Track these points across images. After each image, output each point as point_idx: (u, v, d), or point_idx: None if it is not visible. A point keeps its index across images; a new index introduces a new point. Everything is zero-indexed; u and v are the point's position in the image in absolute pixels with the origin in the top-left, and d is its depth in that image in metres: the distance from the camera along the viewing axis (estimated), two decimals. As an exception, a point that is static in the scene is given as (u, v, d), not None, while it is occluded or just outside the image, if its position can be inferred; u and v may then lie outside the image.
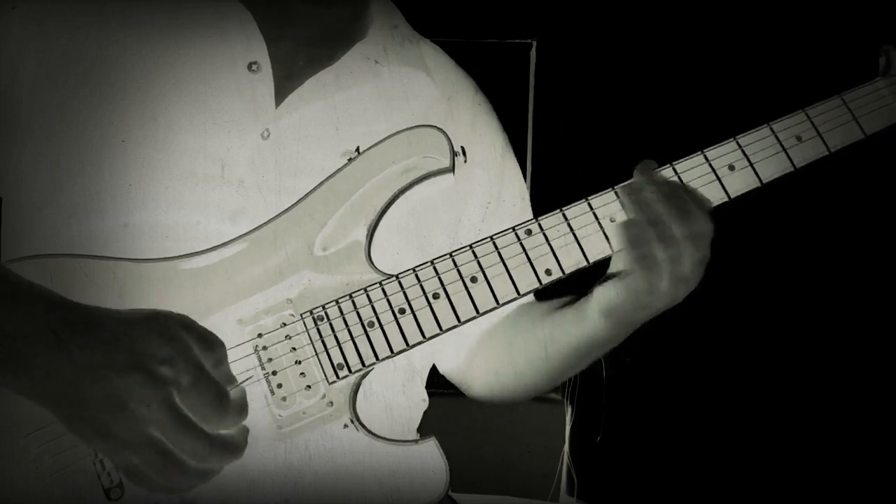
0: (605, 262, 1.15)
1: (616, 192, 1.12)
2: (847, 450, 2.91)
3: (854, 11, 2.54)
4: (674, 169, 1.13)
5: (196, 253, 1.11)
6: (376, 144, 1.13)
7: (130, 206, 1.17)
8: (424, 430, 1.36)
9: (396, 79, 1.30)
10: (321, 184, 1.13)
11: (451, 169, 1.13)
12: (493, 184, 1.40)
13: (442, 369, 1.46)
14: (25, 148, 1.20)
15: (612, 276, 1.13)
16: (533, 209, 1.46)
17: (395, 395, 1.28)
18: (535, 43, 3.30)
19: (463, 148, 1.32)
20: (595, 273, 1.16)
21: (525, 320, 1.33)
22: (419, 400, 1.37)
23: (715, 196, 1.14)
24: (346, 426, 1.10)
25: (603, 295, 1.14)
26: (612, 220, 1.12)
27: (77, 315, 1.00)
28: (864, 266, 2.95)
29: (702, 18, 3.04)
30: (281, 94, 1.23)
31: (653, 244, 1.07)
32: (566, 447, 2.77)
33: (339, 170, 1.13)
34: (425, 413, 1.38)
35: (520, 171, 1.47)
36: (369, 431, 1.10)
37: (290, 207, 1.13)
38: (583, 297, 1.19)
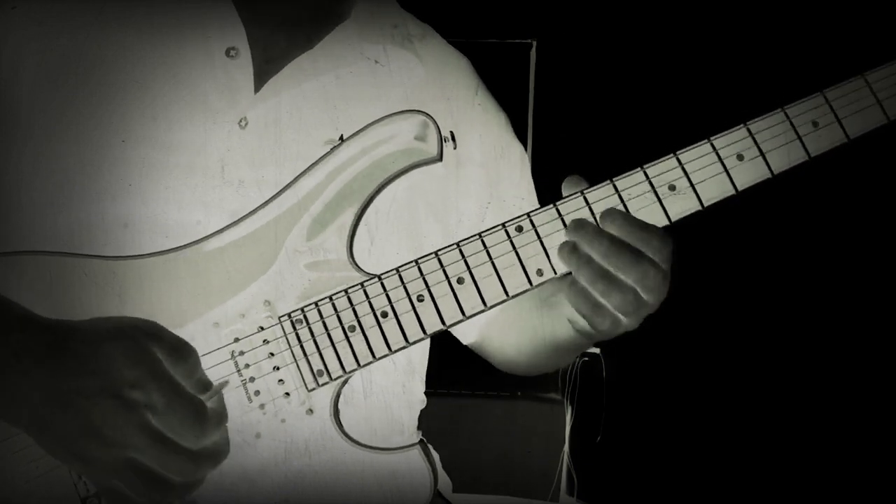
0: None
1: (590, 206, 1.07)
2: (847, 450, 2.91)
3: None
4: (678, 159, 1.06)
5: (167, 251, 1.08)
6: (358, 132, 1.08)
7: (130, 206, 1.17)
8: (424, 430, 1.36)
9: (389, 65, 1.27)
10: (298, 177, 1.09)
11: (440, 157, 1.07)
12: (493, 185, 1.40)
13: (464, 342, 1.45)
14: (25, 148, 1.20)
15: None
16: (532, 208, 1.44)
17: (395, 395, 1.27)
18: (535, 43, 3.30)
19: (452, 133, 1.27)
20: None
21: (529, 301, 1.26)
22: (418, 399, 1.37)
23: (721, 189, 1.06)
24: (309, 411, 1.06)
25: (577, 318, 1.10)
26: None
27: (39, 336, 0.96)
28: (862, 266, 2.95)
29: (701, 18, 3.04)
30: (261, 80, 1.21)
31: (603, 297, 1.02)
32: (566, 447, 2.77)
33: (317, 161, 1.09)
34: (426, 413, 1.38)
35: (526, 172, 1.44)
36: (348, 436, 1.07)
37: (265, 203, 1.09)
38: (557, 304, 1.16)
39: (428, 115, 1.08)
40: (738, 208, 1.17)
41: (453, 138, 1.27)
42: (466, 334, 1.44)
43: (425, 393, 1.40)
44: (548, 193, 1.46)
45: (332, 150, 1.08)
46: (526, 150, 1.51)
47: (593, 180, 1.11)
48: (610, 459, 2.91)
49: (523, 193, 1.43)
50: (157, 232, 1.16)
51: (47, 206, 1.18)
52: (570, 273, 1.05)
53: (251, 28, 1.20)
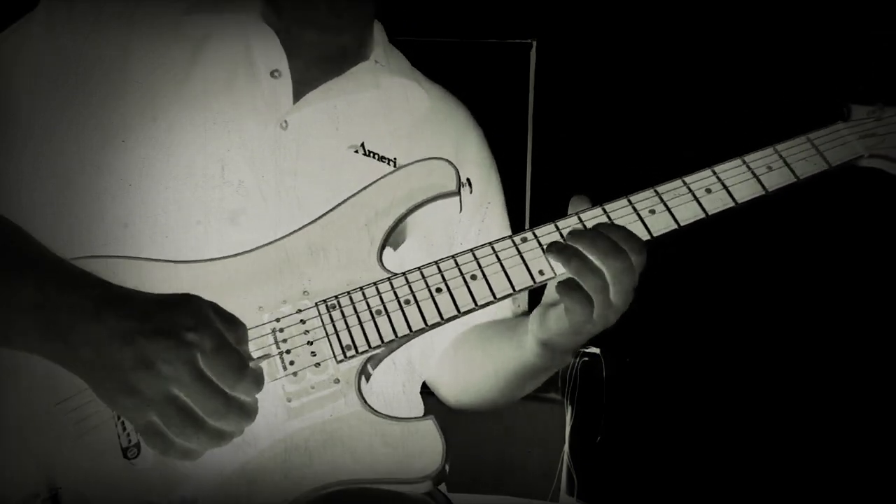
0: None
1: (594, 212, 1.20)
2: (847, 450, 2.91)
3: (824, 64, 2.67)
4: (655, 191, 1.21)
5: (225, 256, 1.18)
6: (396, 170, 1.26)
7: (130, 206, 1.18)
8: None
9: (396, 88, 1.40)
10: (346, 200, 1.23)
11: (458, 193, 1.25)
12: (482, 203, 1.45)
13: (424, 376, 1.48)
14: (25, 148, 1.20)
15: (548, 306, 1.20)
16: (532, 209, 1.48)
17: (396, 395, 1.28)
18: (535, 43, 3.31)
19: (469, 180, 1.43)
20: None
21: (489, 333, 1.39)
22: (418, 402, 1.37)
23: (693, 213, 1.22)
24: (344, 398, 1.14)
25: (539, 328, 1.21)
26: None
27: (115, 291, 1.08)
28: (862, 266, 2.95)
29: (700, 19, 3.04)
30: (297, 96, 1.30)
31: (588, 287, 1.13)
32: (566, 447, 2.77)
33: (361, 190, 1.24)
34: (426, 413, 1.38)
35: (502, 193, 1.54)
36: (369, 406, 1.14)
37: (314, 220, 1.21)
38: (521, 327, 1.27)
39: (451, 163, 1.25)
40: (735, 212, 1.21)
41: (470, 184, 1.45)
42: (429, 365, 1.46)
43: (426, 393, 1.41)
44: (548, 192, 1.47)
45: (376, 181, 1.25)
46: (526, 150, 1.55)
47: (593, 179, 1.15)
48: (610, 459, 2.92)
49: (504, 213, 1.52)
50: (157, 232, 1.17)
51: (47, 206, 1.19)
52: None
53: (292, 59, 1.32)
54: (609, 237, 1.14)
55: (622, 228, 1.16)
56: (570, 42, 3.22)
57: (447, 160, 1.26)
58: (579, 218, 1.20)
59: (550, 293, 1.20)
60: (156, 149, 1.19)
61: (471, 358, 1.40)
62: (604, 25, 3.18)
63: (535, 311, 1.23)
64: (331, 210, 1.23)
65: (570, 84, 3.20)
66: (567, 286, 1.13)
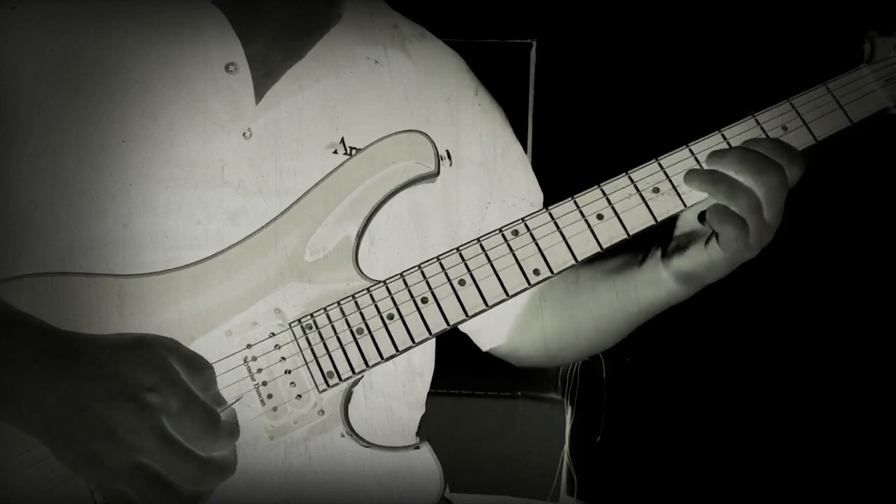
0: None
1: (694, 155, 1.13)
2: (847, 450, 2.91)
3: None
4: (659, 164, 1.13)
5: (177, 268, 1.10)
6: (361, 150, 1.14)
7: (130, 207, 1.17)
8: (425, 430, 1.36)
9: (389, 65, 1.30)
10: (305, 194, 1.13)
11: (437, 173, 1.14)
12: (493, 184, 1.40)
13: (486, 348, 1.46)
14: (25, 148, 1.20)
15: (688, 238, 1.14)
16: (530, 208, 1.44)
17: (395, 397, 1.27)
18: (535, 43, 3.31)
19: (448, 151, 1.33)
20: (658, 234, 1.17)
21: (585, 283, 1.32)
22: (418, 403, 1.37)
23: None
24: (342, 436, 1.10)
25: (683, 262, 1.15)
26: (599, 217, 1.12)
27: (59, 344, 0.99)
28: (863, 265, 2.95)
29: (699, 17, 3.04)
30: (260, 93, 1.23)
31: (741, 209, 1.08)
32: (566, 447, 2.77)
33: (326, 176, 1.13)
34: (426, 413, 1.38)
35: (526, 169, 1.46)
36: (361, 438, 1.09)
37: (273, 219, 1.13)
38: (648, 263, 1.20)
39: (426, 135, 1.13)
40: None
41: (449, 156, 1.32)
42: (495, 336, 1.43)
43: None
44: (548, 192, 1.46)
45: (341, 165, 1.12)
46: (526, 150, 1.53)
47: (593, 179, 1.14)
48: (610, 459, 2.91)
49: (523, 193, 1.43)
50: (156, 231, 1.16)
51: (47, 206, 1.18)
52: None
53: (248, 44, 1.23)
54: (758, 151, 1.08)
55: (773, 140, 1.10)
56: (570, 42, 3.22)
57: (420, 132, 1.14)
58: (575, 203, 1.11)
59: (687, 225, 1.15)
60: (156, 148, 1.18)
61: (568, 313, 1.34)
62: (604, 25, 3.18)
63: (672, 247, 1.17)
64: (284, 212, 1.13)
65: (570, 84, 3.20)
66: (719, 214, 1.07)
